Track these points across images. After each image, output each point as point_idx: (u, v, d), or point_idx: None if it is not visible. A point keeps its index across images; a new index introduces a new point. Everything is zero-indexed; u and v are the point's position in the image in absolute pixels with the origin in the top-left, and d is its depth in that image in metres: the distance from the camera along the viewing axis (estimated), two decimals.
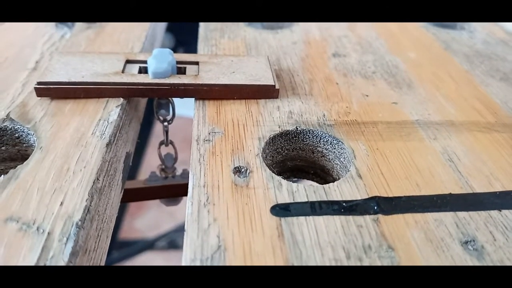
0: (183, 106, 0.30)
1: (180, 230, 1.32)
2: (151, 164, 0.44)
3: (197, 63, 0.30)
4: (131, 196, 0.33)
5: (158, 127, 1.22)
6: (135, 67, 0.29)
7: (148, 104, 0.37)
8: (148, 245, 1.32)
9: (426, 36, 0.40)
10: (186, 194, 0.36)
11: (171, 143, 0.33)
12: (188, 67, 0.30)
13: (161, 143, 0.33)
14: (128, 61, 0.30)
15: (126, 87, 0.28)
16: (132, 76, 0.28)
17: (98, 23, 0.38)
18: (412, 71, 0.34)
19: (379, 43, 0.38)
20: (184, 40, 1.07)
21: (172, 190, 0.35)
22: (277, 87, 0.29)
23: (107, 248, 0.23)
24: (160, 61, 0.28)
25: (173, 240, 1.32)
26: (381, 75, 0.33)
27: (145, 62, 0.29)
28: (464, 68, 0.35)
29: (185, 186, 0.35)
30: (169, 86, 0.28)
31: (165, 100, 0.29)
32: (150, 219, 1.60)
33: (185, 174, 0.36)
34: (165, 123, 0.31)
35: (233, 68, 0.30)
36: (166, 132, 0.32)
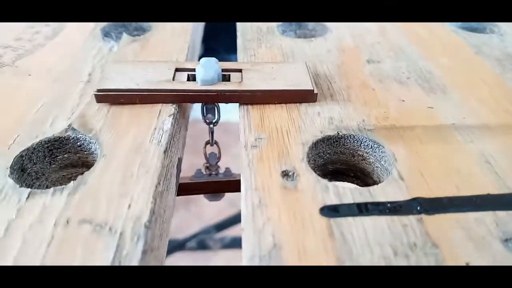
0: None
1: (208, 231, 1.34)
2: (191, 161, 0.47)
3: (240, 70, 0.32)
4: (178, 190, 0.36)
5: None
6: (184, 75, 0.32)
7: None
8: (179, 245, 1.35)
9: (457, 40, 0.41)
10: (227, 191, 0.39)
11: (216, 143, 0.36)
12: (232, 74, 0.32)
13: (207, 143, 0.36)
14: (177, 69, 0.32)
15: (177, 93, 0.30)
16: (182, 83, 0.31)
17: (141, 36, 0.40)
18: (445, 76, 0.35)
19: (411, 49, 0.39)
20: (211, 47, 1.10)
21: (215, 186, 0.39)
22: (315, 91, 0.31)
23: (166, 247, 0.25)
24: (207, 69, 0.30)
25: (202, 240, 1.35)
26: (415, 81, 0.34)
27: (193, 70, 0.32)
28: (496, 72, 0.36)
29: (227, 183, 0.38)
30: (216, 93, 0.30)
31: (212, 104, 0.31)
32: (178, 219, 1.63)
33: (228, 172, 0.38)
34: (211, 125, 0.33)
35: (273, 75, 0.32)
36: (212, 133, 0.35)
